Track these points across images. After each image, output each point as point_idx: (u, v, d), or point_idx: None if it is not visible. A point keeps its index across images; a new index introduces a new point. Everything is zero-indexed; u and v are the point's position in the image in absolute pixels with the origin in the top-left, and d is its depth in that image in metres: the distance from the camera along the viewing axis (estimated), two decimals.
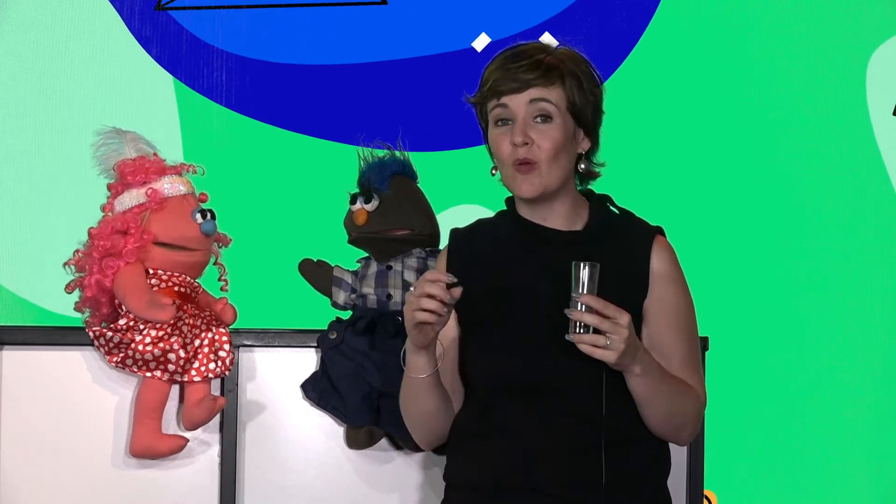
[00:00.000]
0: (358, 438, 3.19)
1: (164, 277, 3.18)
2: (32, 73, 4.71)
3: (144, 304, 3.10)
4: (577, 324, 2.62)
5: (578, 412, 2.72)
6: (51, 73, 4.72)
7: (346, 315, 3.26)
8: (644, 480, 2.78)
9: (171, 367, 3.11)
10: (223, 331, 3.16)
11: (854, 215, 4.86)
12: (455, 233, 2.89)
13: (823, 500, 4.79)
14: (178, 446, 3.14)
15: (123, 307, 3.14)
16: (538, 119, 2.74)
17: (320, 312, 3.29)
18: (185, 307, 3.15)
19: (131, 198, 3.19)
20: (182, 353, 3.11)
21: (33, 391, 3.17)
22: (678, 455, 3.20)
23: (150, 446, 3.13)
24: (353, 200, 3.23)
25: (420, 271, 3.21)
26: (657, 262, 2.79)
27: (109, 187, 3.24)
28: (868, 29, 4.87)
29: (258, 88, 4.79)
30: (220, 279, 3.31)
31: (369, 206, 3.20)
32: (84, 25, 4.73)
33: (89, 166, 3.26)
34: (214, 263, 3.29)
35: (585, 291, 2.61)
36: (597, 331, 2.61)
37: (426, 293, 2.63)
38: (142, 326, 3.11)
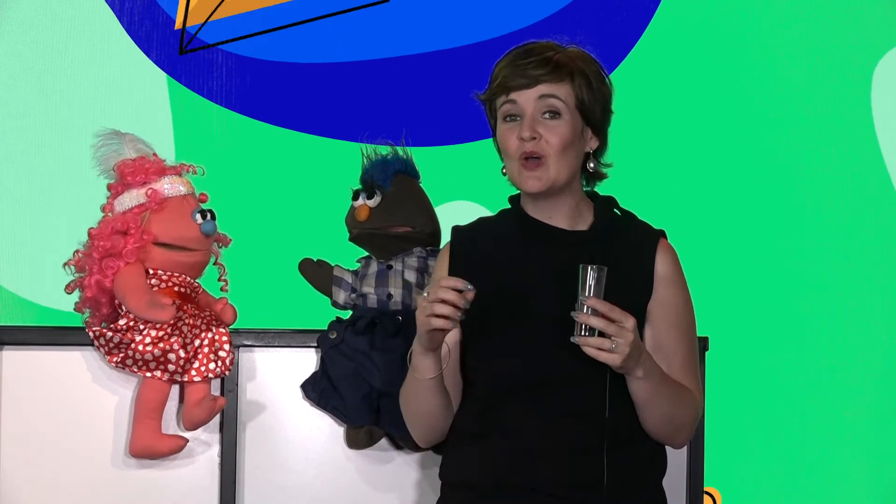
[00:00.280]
0: (358, 438, 3.19)
1: (164, 277, 3.18)
2: (32, 73, 4.71)
3: (144, 304, 3.10)
4: (583, 326, 2.62)
5: (580, 412, 2.72)
6: (51, 73, 4.72)
7: (346, 315, 3.26)
8: (644, 481, 2.79)
9: (171, 367, 3.11)
10: (223, 331, 3.16)
11: (854, 216, 4.86)
12: (457, 230, 2.89)
13: (823, 500, 4.79)
14: (178, 446, 3.14)
15: (123, 307, 3.14)
16: (546, 115, 2.75)
17: (320, 312, 3.29)
18: (185, 307, 3.15)
19: (131, 198, 3.19)
20: (182, 353, 3.11)
21: (33, 391, 3.17)
22: (678, 455, 3.20)
23: (150, 446, 3.13)
24: (355, 196, 3.23)
25: (420, 271, 3.21)
26: (662, 264, 2.80)
27: (109, 188, 3.24)
28: (875, 36, 4.87)
29: (256, 88, 4.79)
30: (219, 279, 3.31)
31: (371, 203, 3.20)
32: (84, 25, 4.73)
33: (89, 166, 3.26)
34: (214, 264, 3.29)
35: (592, 294, 2.62)
36: (602, 334, 2.62)
37: (440, 298, 2.63)
38: (142, 326, 3.11)
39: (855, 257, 4.85)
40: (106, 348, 3.12)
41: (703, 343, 3.22)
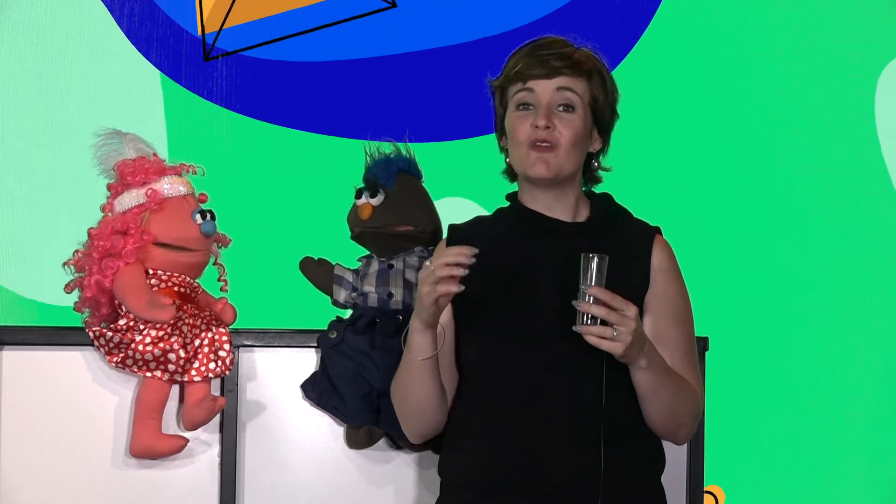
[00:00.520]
0: (358, 438, 3.19)
1: (164, 278, 3.18)
2: (32, 73, 4.71)
3: (144, 304, 3.10)
4: (585, 315, 2.63)
5: (578, 405, 2.72)
6: (51, 73, 4.72)
7: (346, 314, 3.26)
8: (642, 477, 2.79)
9: (171, 367, 3.11)
10: (223, 331, 3.16)
11: (854, 216, 4.86)
12: (453, 228, 2.91)
13: (823, 500, 4.79)
14: (178, 446, 3.14)
15: (123, 307, 3.14)
16: (561, 108, 2.78)
17: (320, 312, 3.29)
18: (185, 307, 3.15)
19: (131, 198, 3.19)
20: (182, 353, 3.11)
21: (33, 391, 3.17)
22: (678, 454, 3.20)
23: (150, 446, 3.13)
24: (358, 195, 3.23)
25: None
26: (658, 257, 2.82)
27: (109, 187, 3.24)
28: (880, 44, 4.87)
29: (255, 87, 4.79)
30: (219, 279, 3.31)
31: (374, 201, 3.21)
32: (84, 25, 4.73)
33: (89, 166, 3.26)
34: (214, 264, 3.29)
35: (594, 283, 2.62)
36: (604, 323, 2.62)
37: (445, 262, 2.64)
38: (142, 326, 3.11)
39: (855, 257, 4.85)
40: (106, 348, 3.12)
41: (703, 343, 3.22)
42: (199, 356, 3.13)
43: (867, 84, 4.87)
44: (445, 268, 2.64)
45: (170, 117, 4.75)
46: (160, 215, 3.18)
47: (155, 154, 3.25)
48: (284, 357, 3.24)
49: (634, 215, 2.89)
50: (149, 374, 3.12)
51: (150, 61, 4.74)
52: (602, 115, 2.82)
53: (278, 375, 3.23)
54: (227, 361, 3.14)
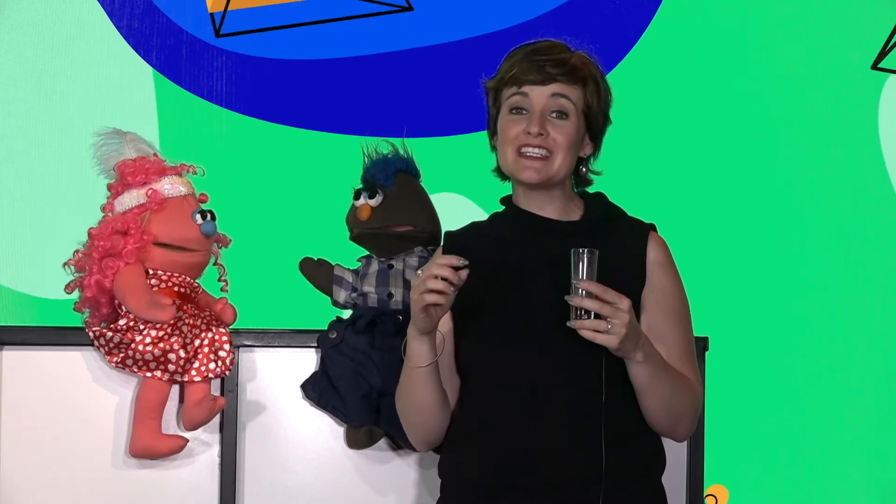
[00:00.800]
0: (358, 438, 3.19)
1: (164, 278, 3.18)
2: (32, 73, 4.71)
3: (144, 304, 3.10)
4: (578, 310, 2.63)
5: (578, 404, 2.72)
6: (51, 73, 4.72)
7: (346, 314, 3.26)
8: (643, 476, 2.79)
9: (171, 367, 3.11)
10: (223, 331, 3.16)
11: (854, 216, 4.86)
12: (449, 235, 2.92)
13: (823, 500, 4.79)
14: (178, 446, 3.14)
15: (123, 307, 3.14)
16: (554, 115, 2.78)
17: (320, 312, 3.29)
18: (185, 307, 3.15)
19: (131, 198, 3.19)
20: (182, 353, 3.11)
21: (33, 391, 3.17)
22: (678, 453, 3.20)
23: (150, 446, 3.13)
24: (356, 196, 3.23)
25: None
26: (653, 253, 2.83)
27: (109, 187, 3.24)
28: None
29: (254, 85, 4.79)
30: (219, 280, 3.31)
31: (373, 202, 3.21)
32: (84, 25, 4.73)
33: (89, 166, 3.26)
34: (214, 264, 3.29)
35: (585, 277, 2.62)
36: (598, 317, 2.62)
37: (434, 275, 2.65)
38: (142, 326, 3.11)
39: (855, 258, 4.85)
40: (106, 348, 3.12)
41: (703, 343, 3.22)
42: (199, 356, 3.13)
43: (869, 85, 4.87)
44: (433, 280, 2.65)
45: (170, 117, 4.74)
46: (160, 215, 3.18)
47: (155, 154, 3.24)
48: (284, 357, 3.24)
49: (628, 213, 2.89)
50: (149, 374, 3.12)
51: (147, 61, 4.74)
52: (595, 122, 2.83)
53: (278, 375, 3.23)
54: (227, 361, 3.14)
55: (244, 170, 4.73)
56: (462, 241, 2.87)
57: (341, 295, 3.24)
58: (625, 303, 2.63)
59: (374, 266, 3.23)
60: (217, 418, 3.18)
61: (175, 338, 3.11)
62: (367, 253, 3.27)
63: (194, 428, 3.16)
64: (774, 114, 4.86)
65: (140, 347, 3.10)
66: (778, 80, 4.86)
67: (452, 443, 2.84)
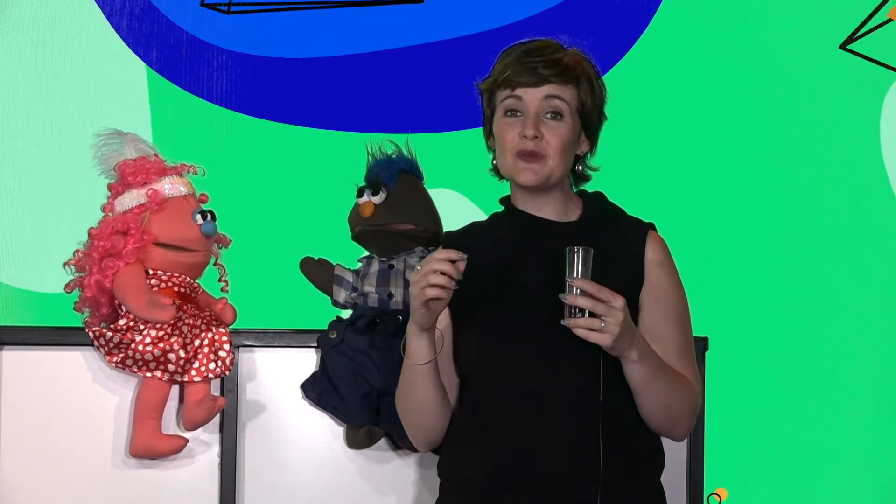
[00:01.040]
0: (358, 438, 3.19)
1: (164, 278, 3.19)
2: (32, 73, 4.71)
3: (144, 304, 3.10)
4: (573, 308, 2.62)
5: (575, 403, 2.72)
6: (51, 73, 4.72)
7: (346, 314, 3.26)
8: (641, 476, 2.78)
9: (171, 367, 3.11)
10: (223, 331, 3.16)
11: (854, 217, 4.86)
12: (448, 235, 2.92)
13: (823, 500, 4.79)
14: (178, 446, 3.14)
15: (123, 307, 3.14)
16: (549, 115, 2.78)
17: (320, 312, 3.29)
18: (185, 307, 3.15)
19: (132, 198, 3.19)
20: (182, 353, 3.11)
21: (33, 391, 3.17)
22: (678, 454, 3.20)
23: (149, 446, 3.13)
24: (360, 193, 3.24)
25: None
26: (652, 252, 2.83)
27: (110, 187, 3.24)
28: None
29: (255, 85, 4.79)
30: (220, 280, 3.31)
31: (376, 199, 3.21)
32: (84, 25, 4.73)
33: (89, 166, 3.26)
34: (214, 264, 3.29)
35: (580, 276, 2.62)
36: (593, 315, 2.62)
37: (433, 269, 2.66)
38: (142, 326, 3.11)
39: (855, 258, 4.85)
40: (106, 348, 3.12)
41: (703, 343, 3.22)
42: (199, 356, 3.13)
43: (870, 84, 4.87)
44: (433, 274, 2.66)
45: (170, 117, 4.75)
46: (161, 215, 3.18)
47: (156, 154, 3.25)
48: (284, 357, 3.24)
49: (628, 213, 2.89)
50: (149, 374, 3.12)
51: (147, 61, 4.74)
52: (590, 120, 2.82)
53: (278, 375, 3.23)
54: (227, 361, 3.15)
55: (244, 170, 4.73)
56: (461, 241, 2.87)
57: (341, 295, 3.24)
58: (619, 301, 2.63)
59: (375, 266, 3.23)
60: (217, 418, 3.18)
61: (175, 338, 3.11)
62: (368, 253, 3.27)
63: (194, 428, 3.16)
64: (774, 113, 4.86)
65: (140, 347, 3.10)
66: (778, 80, 4.86)
67: (451, 442, 2.84)
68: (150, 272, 3.18)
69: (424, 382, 2.78)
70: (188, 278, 3.21)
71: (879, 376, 4.83)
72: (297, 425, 3.23)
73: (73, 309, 3.25)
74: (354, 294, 3.23)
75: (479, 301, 2.79)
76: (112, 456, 3.18)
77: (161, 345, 3.10)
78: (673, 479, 3.02)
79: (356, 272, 3.25)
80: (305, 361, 3.23)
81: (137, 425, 3.14)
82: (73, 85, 4.72)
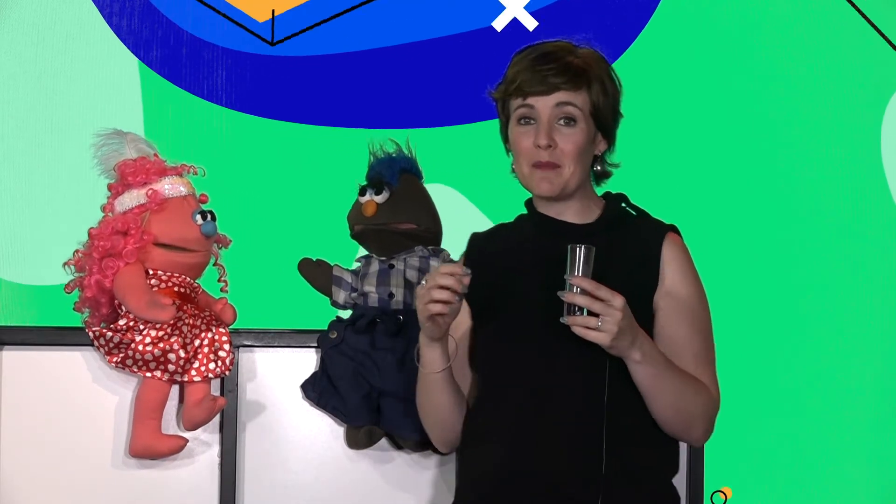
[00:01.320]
0: (358, 438, 3.19)
1: (164, 278, 3.18)
2: (32, 73, 4.71)
3: (144, 304, 3.10)
4: (573, 307, 2.62)
5: (580, 403, 2.72)
6: (51, 73, 4.72)
7: (346, 314, 3.26)
8: (649, 477, 2.77)
9: (171, 367, 3.11)
10: (223, 331, 3.16)
11: (854, 217, 4.86)
12: (475, 236, 2.95)
13: (823, 500, 4.79)
14: (178, 446, 3.14)
15: (123, 307, 3.14)
16: (562, 122, 2.78)
17: (320, 312, 3.29)
18: (185, 307, 3.15)
19: (132, 198, 3.19)
20: (182, 353, 3.11)
21: (33, 391, 3.17)
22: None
23: (149, 446, 3.13)
24: (362, 192, 3.23)
25: (422, 270, 3.21)
26: (668, 255, 2.81)
27: (110, 187, 3.24)
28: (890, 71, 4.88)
29: (255, 84, 4.79)
30: (219, 280, 3.31)
31: (379, 198, 3.21)
32: (84, 25, 4.73)
33: (89, 166, 3.26)
34: (214, 264, 3.29)
35: (581, 274, 2.62)
36: (592, 314, 2.62)
37: (438, 284, 2.67)
38: (142, 326, 3.11)
39: (855, 258, 4.84)
40: (106, 348, 3.12)
41: None
42: (199, 356, 3.13)
43: (872, 86, 4.87)
44: (437, 290, 2.67)
45: (170, 117, 4.74)
46: (161, 216, 3.18)
47: (156, 154, 3.24)
48: (284, 357, 3.24)
49: (651, 215, 2.89)
50: (149, 374, 3.12)
51: (146, 61, 4.74)
52: (605, 120, 2.82)
53: (278, 375, 3.23)
54: (227, 361, 3.14)
55: (244, 170, 4.73)
56: (483, 243, 2.90)
57: (340, 295, 3.24)
58: (618, 300, 2.62)
59: (375, 266, 3.23)
60: (217, 418, 3.18)
61: (175, 338, 3.11)
62: (366, 253, 3.27)
63: (194, 428, 3.16)
64: (774, 113, 4.86)
65: (140, 347, 3.10)
66: (778, 80, 4.86)
67: (464, 443, 2.86)
68: (150, 272, 3.18)
69: (440, 389, 2.81)
70: (188, 278, 3.21)
71: (879, 376, 4.82)
72: (297, 425, 3.23)
73: (73, 309, 3.25)
74: (354, 294, 3.23)
75: (495, 304, 2.81)
76: (112, 456, 3.18)
77: (161, 345, 3.10)
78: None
79: (355, 272, 3.25)
80: (305, 361, 3.23)
81: (137, 425, 3.13)
82: (73, 85, 4.72)
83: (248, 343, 3.22)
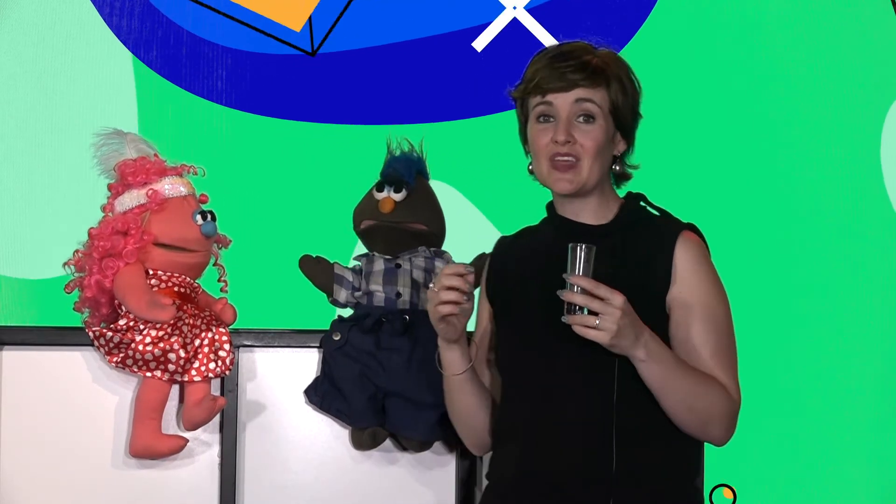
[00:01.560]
0: (362, 440, 3.18)
1: (164, 278, 3.18)
2: (32, 73, 4.71)
3: (144, 304, 3.10)
4: (574, 306, 2.63)
5: (590, 404, 2.73)
6: (51, 73, 4.72)
7: (346, 312, 3.25)
8: (659, 476, 2.76)
9: (171, 367, 3.11)
10: (223, 331, 3.16)
11: (854, 217, 4.86)
12: (501, 240, 2.97)
13: (823, 500, 4.79)
14: (178, 446, 3.14)
15: (123, 307, 3.14)
16: (581, 119, 2.79)
17: (321, 312, 3.29)
18: (185, 307, 3.15)
19: (132, 198, 3.19)
20: (182, 353, 3.11)
21: (33, 391, 3.17)
22: None
23: (149, 446, 3.13)
24: (379, 187, 3.22)
25: (428, 270, 3.21)
26: (682, 255, 2.81)
27: (110, 188, 3.24)
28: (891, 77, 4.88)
29: (254, 83, 4.79)
30: (219, 280, 3.31)
31: (398, 197, 3.20)
32: (84, 25, 4.73)
33: (89, 166, 3.26)
34: (214, 264, 3.29)
35: (581, 273, 2.62)
36: (592, 313, 2.62)
37: (445, 286, 2.70)
38: (142, 326, 3.11)
39: (854, 258, 4.84)
40: (106, 348, 3.12)
41: None
42: (199, 356, 3.13)
43: (873, 86, 4.87)
44: (444, 291, 2.71)
45: (170, 117, 4.75)
46: (161, 216, 3.18)
47: (156, 154, 3.24)
48: (284, 357, 3.24)
49: (672, 214, 2.89)
50: (149, 374, 3.12)
51: (146, 61, 4.74)
52: (624, 120, 2.82)
53: (278, 375, 3.23)
54: (227, 361, 3.14)
55: (244, 169, 4.73)
56: (508, 247, 2.93)
57: (342, 294, 3.23)
58: (617, 299, 2.62)
59: (380, 265, 3.22)
60: (217, 418, 3.18)
61: (175, 338, 3.11)
62: (366, 251, 3.26)
63: (194, 428, 3.16)
64: (774, 113, 4.86)
65: (140, 347, 3.10)
66: (778, 79, 4.86)
67: (491, 445, 2.91)
68: (150, 272, 3.18)
69: (464, 390, 2.85)
70: (188, 278, 3.21)
71: (879, 376, 4.82)
72: (297, 425, 3.23)
73: (73, 309, 3.25)
74: (357, 293, 3.22)
75: (514, 305, 2.84)
76: (112, 456, 3.18)
77: (161, 345, 3.10)
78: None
79: (356, 271, 3.24)
80: (306, 361, 3.23)
81: (137, 425, 3.13)
82: (73, 85, 4.72)
83: (248, 343, 3.22)
